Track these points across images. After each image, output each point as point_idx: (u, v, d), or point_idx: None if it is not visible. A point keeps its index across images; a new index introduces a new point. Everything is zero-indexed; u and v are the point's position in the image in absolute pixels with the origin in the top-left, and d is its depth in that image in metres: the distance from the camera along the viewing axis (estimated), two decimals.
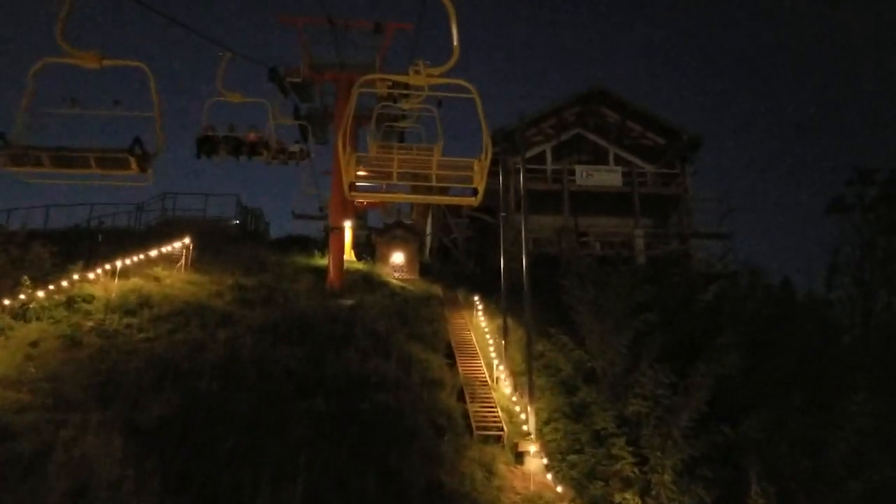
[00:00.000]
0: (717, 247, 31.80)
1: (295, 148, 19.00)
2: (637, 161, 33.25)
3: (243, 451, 12.31)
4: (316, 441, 13.03)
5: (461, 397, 17.08)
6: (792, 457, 13.83)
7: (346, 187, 10.11)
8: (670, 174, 32.74)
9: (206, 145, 16.30)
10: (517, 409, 16.74)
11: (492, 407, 16.73)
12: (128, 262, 19.71)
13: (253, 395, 14.01)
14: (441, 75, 9.43)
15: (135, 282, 19.12)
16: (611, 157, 33.58)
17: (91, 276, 18.34)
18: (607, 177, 31.84)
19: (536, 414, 16.45)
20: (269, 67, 21.90)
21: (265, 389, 14.31)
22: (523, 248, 17.96)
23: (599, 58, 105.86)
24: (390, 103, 20.35)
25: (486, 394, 17.44)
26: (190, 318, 17.66)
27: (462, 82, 9.39)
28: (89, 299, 17.43)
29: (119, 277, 19.44)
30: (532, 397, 15.77)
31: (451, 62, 9.23)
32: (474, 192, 9.66)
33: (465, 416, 16.17)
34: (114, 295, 18.03)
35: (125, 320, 17.04)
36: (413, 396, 15.69)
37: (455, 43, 9.20)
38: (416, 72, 9.43)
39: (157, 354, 15.06)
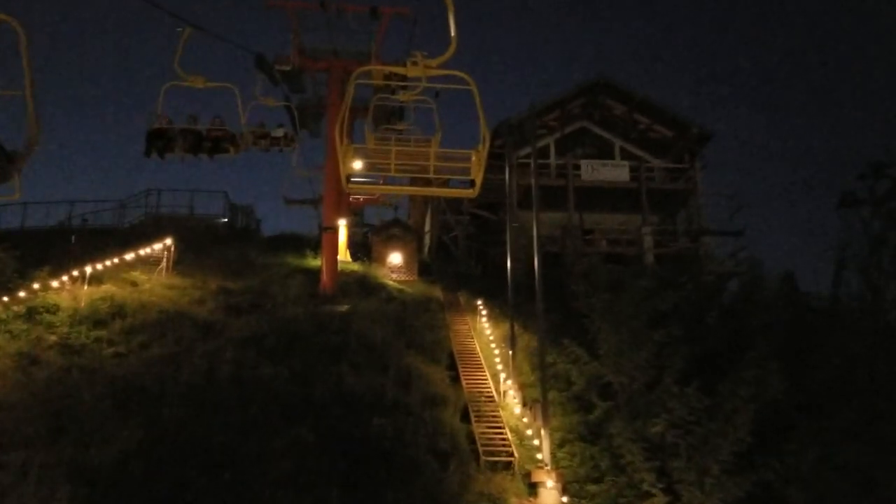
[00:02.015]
0: (727, 244, 29.87)
1: (279, 132, 16.69)
2: (644, 155, 31.19)
3: (216, 492, 10.33)
4: (302, 478, 11.05)
5: (465, 416, 15.12)
6: (844, 491, 11.88)
7: (343, 179, 9.85)
8: (679, 169, 30.71)
9: (159, 141, 13.27)
10: (528, 431, 14.71)
11: (500, 428, 14.76)
12: (100, 266, 17.56)
13: (230, 424, 11.98)
14: (439, 66, 9.14)
15: (107, 288, 17.04)
16: (616, 151, 31.53)
17: (55, 283, 16.20)
18: (614, 172, 29.77)
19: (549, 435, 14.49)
20: (256, 54, 19.71)
21: (245, 416, 12.28)
22: (535, 249, 15.91)
23: (605, 48, 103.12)
24: (388, 95, 18.63)
25: (492, 411, 15.47)
26: (166, 330, 15.63)
27: (460, 73, 9.11)
28: (53, 310, 15.38)
29: (92, 283, 17.37)
30: (546, 421, 13.79)
31: (449, 53, 8.91)
32: (472, 184, 9.54)
33: (471, 438, 14.21)
34: (83, 304, 15.98)
35: (93, 333, 15.01)
36: (413, 419, 13.67)
37: (453, 34, 8.87)
38: (414, 63, 9.14)
39: (123, 375, 13.01)
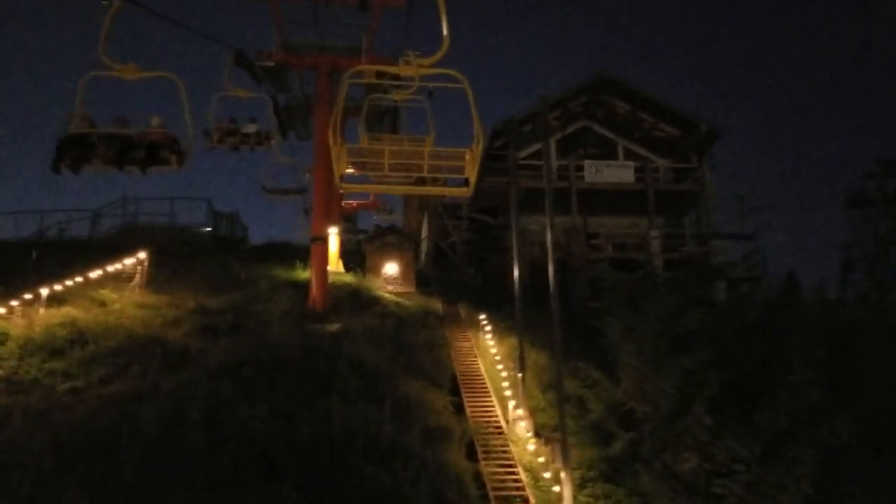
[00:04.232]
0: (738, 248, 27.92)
1: (250, 129, 14.39)
2: (649, 155, 29.18)
3: None
4: None
5: (472, 451, 13.08)
6: None
7: (336, 179, 9.71)
8: (686, 169, 28.72)
9: (74, 150, 9.59)
10: (546, 474, 12.58)
11: (511, 466, 12.73)
12: (60, 286, 15.41)
13: (197, 479, 9.87)
14: (432, 65, 9.07)
15: (68, 311, 14.87)
16: (620, 151, 29.53)
17: (1, 309, 14.01)
18: (618, 173, 27.75)
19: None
20: (235, 49, 17.60)
21: (215, 469, 10.16)
22: (550, 257, 13.83)
23: (607, 46, 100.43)
24: (381, 94, 16.85)
25: (502, 446, 13.44)
26: (132, 359, 13.52)
27: (452, 72, 9.02)
28: (2, 339, 13.22)
29: (54, 304, 15.24)
30: (566, 462, 11.73)
31: (441, 52, 8.90)
32: (466, 183, 9.37)
33: (479, 479, 12.17)
34: (38, 330, 13.84)
35: (47, 365, 12.88)
36: (413, 463, 11.59)
37: (445, 33, 8.85)
38: (407, 62, 9.15)
39: (74, 420, 10.85)
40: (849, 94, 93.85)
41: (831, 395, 12.82)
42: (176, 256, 20.52)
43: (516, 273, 16.85)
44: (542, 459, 12.66)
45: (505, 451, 13.22)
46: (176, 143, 10.45)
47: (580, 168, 27.64)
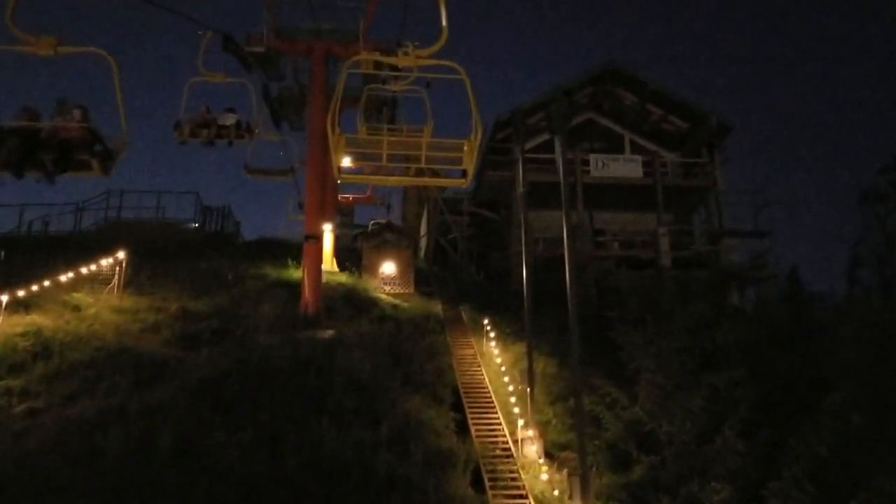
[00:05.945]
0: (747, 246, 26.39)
1: (228, 120, 12.78)
2: (657, 148, 27.58)
3: None
4: None
5: (477, 477, 11.54)
6: None
7: (335, 170, 9.63)
8: (696, 163, 27.13)
9: None
10: (559, 503, 11.09)
11: (522, 497, 11.16)
12: (26, 290, 13.79)
13: None
14: (430, 56, 9.00)
15: (32, 319, 13.24)
16: (626, 144, 27.96)
17: None
18: (626, 167, 26.17)
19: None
20: (224, 34, 15.97)
21: None
22: (566, 258, 12.27)
23: (613, 38, 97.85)
24: (379, 85, 15.49)
25: (510, 471, 11.86)
26: (102, 373, 11.93)
27: (451, 63, 8.88)
28: None
29: (20, 310, 13.63)
30: (587, 497, 10.20)
31: (440, 43, 8.83)
32: (464, 174, 9.33)
33: None
34: None
35: (4, 382, 11.27)
36: (414, 496, 10.06)
37: (444, 23, 8.76)
38: (405, 53, 9.06)
39: (21, 455, 9.26)
40: (855, 90, 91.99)
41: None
42: (161, 254, 18.90)
43: (524, 276, 15.27)
44: (557, 493, 11.10)
45: (514, 479, 11.65)
46: (99, 140, 7.86)
47: (585, 162, 26.05)
